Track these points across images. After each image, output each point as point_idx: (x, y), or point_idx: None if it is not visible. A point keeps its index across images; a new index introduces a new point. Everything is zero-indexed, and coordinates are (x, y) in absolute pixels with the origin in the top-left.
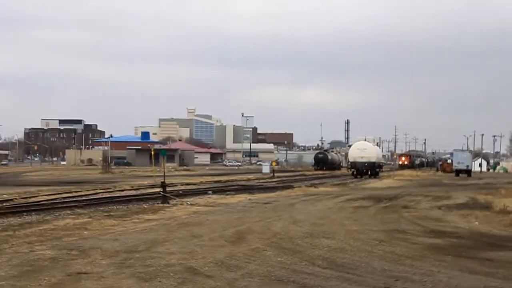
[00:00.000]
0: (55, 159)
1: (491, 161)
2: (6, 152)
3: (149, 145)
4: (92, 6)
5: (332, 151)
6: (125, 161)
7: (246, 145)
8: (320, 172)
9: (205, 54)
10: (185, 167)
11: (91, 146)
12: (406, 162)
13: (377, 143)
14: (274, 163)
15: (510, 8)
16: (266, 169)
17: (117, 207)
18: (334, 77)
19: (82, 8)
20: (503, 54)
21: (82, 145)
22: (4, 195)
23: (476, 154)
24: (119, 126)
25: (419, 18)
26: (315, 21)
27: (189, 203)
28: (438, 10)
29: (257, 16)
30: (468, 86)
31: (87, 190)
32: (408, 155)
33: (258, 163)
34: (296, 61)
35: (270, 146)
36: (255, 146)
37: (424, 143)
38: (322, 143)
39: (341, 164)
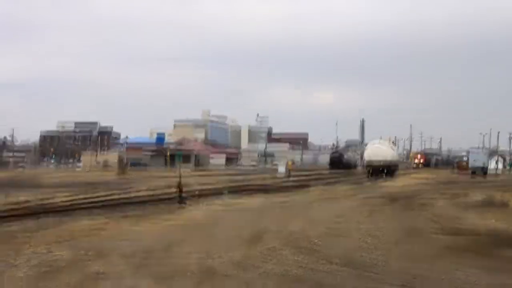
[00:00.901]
0: (71, 161)
1: (507, 159)
2: (23, 154)
3: (164, 147)
4: (104, 9)
5: (348, 151)
6: (141, 163)
7: (261, 146)
8: (336, 172)
9: (218, 56)
10: (200, 168)
11: (106, 149)
12: (421, 161)
13: (393, 142)
14: (289, 164)
15: None
16: (281, 169)
17: (134, 208)
18: (347, 76)
19: (94, 11)
20: None
21: (98, 148)
22: (21, 198)
23: (493, 153)
24: (134, 128)
25: (432, 18)
26: (327, 22)
27: (205, 204)
28: (451, 7)
29: (269, 17)
30: (483, 83)
31: (104, 192)
32: (423, 153)
33: (273, 163)
34: (309, 61)
35: (286, 146)
36: (270, 146)
37: (440, 141)
38: (338, 143)
39: (357, 164)
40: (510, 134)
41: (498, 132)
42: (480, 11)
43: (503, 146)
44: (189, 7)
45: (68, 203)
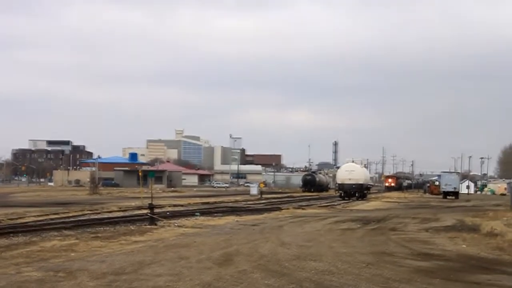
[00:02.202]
0: (42, 180)
1: (479, 183)
2: None
3: (137, 166)
4: (76, 27)
5: (320, 173)
6: (113, 182)
7: (234, 167)
8: (308, 194)
9: (192, 76)
10: (173, 188)
11: (78, 167)
12: (392, 184)
13: (365, 164)
14: (262, 185)
15: (498, 32)
16: (254, 190)
17: (104, 228)
18: (321, 98)
19: (67, 30)
20: (490, 78)
21: (70, 166)
22: None
23: (464, 176)
24: (107, 147)
25: (407, 41)
26: (301, 43)
27: (176, 224)
28: (426, 33)
29: (242, 37)
30: (456, 108)
31: (74, 211)
32: (394, 176)
33: (246, 184)
34: (283, 83)
35: (258, 167)
36: (243, 167)
37: (412, 164)
38: (310, 165)
39: (329, 185)
40: (481, 158)
41: (470, 157)
42: (457, 38)
43: (475, 171)
44: (162, 25)
45: (38, 222)
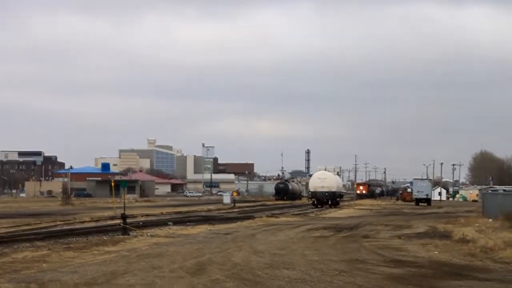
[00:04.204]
0: (14, 191)
1: (451, 190)
2: None
3: (109, 176)
4: (37, 37)
5: (293, 181)
6: (86, 192)
7: (207, 176)
8: (281, 202)
9: (162, 85)
10: (145, 198)
11: (51, 178)
12: (364, 192)
13: (338, 172)
14: (235, 193)
15: (464, 39)
16: (227, 199)
17: (77, 239)
18: (291, 107)
19: (28, 39)
20: (457, 86)
21: (42, 177)
22: None
23: (436, 183)
24: (79, 157)
25: (373, 50)
26: (266, 51)
27: (149, 234)
28: (388, 41)
29: (206, 46)
30: (426, 116)
31: (47, 222)
32: (366, 184)
33: (219, 193)
34: (252, 91)
35: (231, 176)
36: (216, 176)
37: (384, 172)
38: (283, 173)
39: (302, 193)
40: (453, 165)
41: (441, 163)
42: (423, 45)
43: (446, 177)
44: (124, 34)
45: (10, 234)
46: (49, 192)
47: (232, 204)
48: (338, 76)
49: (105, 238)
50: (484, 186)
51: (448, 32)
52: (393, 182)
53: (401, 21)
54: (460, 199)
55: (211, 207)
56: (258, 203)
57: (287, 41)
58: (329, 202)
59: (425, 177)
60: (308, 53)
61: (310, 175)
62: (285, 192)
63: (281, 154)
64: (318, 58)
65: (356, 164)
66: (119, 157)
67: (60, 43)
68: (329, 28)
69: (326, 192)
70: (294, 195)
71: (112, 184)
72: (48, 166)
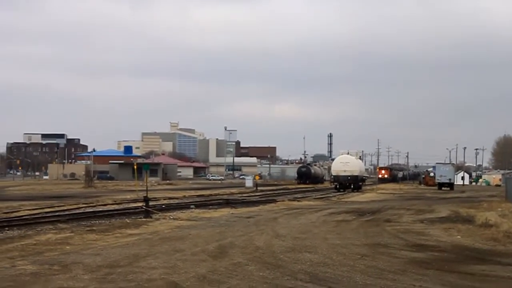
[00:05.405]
0: (37, 173)
1: (474, 174)
2: None
3: (131, 159)
4: (58, 19)
5: (315, 165)
6: (108, 175)
7: (229, 159)
8: (303, 186)
9: (187, 69)
10: (168, 181)
11: (73, 161)
12: (386, 176)
13: (360, 156)
14: (257, 177)
15: (484, 20)
16: (249, 183)
17: (99, 221)
18: (312, 90)
19: (50, 21)
20: (480, 68)
21: (65, 160)
22: None
23: (459, 167)
24: (102, 140)
25: (392, 31)
26: (290, 34)
27: (171, 217)
28: (410, 24)
29: (230, 29)
30: (450, 99)
31: (69, 205)
32: (388, 168)
33: (241, 177)
34: (276, 75)
35: (253, 160)
36: (238, 160)
37: (407, 156)
38: (305, 157)
39: (324, 177)
40: (476, 149)
41: (465, 148)
42: (444, 28)
43: (469, 162)
44: (147, 16)
45: (33, 216)
46: (72, 174)
47: (254, 188)
48: (358, 58)
49: (127, 221)
50: (507, 171)
51: (468, 13)
52: (415, 166)
53: (421, 2)
54: (483, 184)
55: (233, 190)
56: (280, 187)
57: (307, 23)
58: (351, 186)
59: (448, 162)
60: (328, 34)
61: (333, 159)
62: (307, 176)
63: (304, 138)
64: (339, 39)
65: (378, 148)
66: (142, 140)
67: (84, 26)
68: (349, 10)
69: (349, 176)
70: (316, 179)
71: (135, 167)
72: (71, 149)
